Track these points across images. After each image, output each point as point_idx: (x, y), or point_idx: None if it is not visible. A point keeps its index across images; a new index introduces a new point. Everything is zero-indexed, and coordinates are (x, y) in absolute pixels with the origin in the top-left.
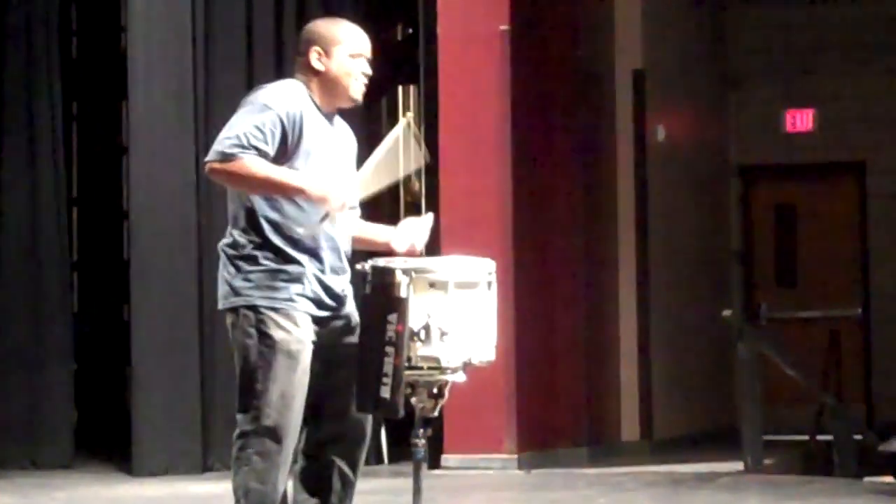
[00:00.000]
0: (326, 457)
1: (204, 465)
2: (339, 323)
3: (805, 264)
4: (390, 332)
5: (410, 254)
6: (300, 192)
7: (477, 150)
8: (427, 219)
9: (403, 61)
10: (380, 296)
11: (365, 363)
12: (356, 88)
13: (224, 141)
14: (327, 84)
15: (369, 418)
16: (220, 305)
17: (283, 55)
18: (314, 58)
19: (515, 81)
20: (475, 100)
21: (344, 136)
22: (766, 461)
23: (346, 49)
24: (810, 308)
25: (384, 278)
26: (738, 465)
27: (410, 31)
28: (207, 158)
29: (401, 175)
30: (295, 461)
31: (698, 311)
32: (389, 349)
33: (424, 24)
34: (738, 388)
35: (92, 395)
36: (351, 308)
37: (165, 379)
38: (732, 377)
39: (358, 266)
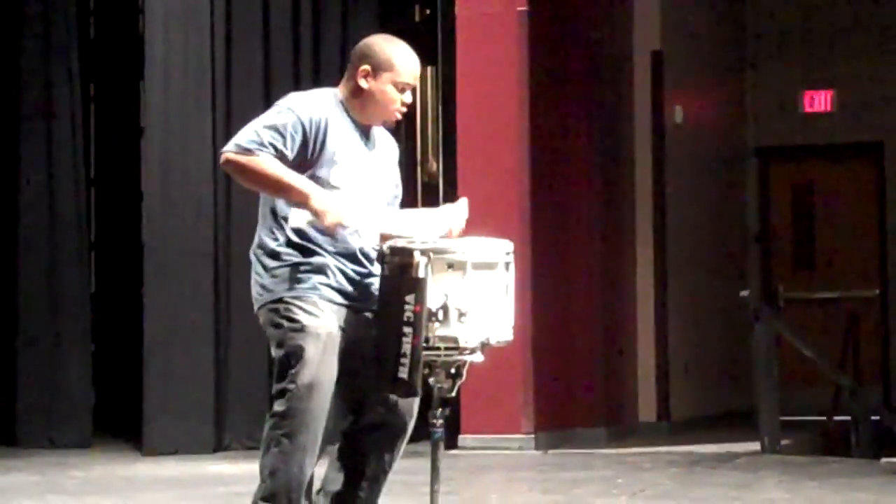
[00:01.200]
0: (366, 443)
1: (217, 445)
2: (368, 315)
3: (823, 245)
4: (408, 313)
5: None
6: (305, 199)
7: (494, 131)
8: (462, 204)
9: (421, 42)
10: (398, 276)
11: (383, 343)
12: (392, 115)
13: (242, 135)
14: (366, 103)
15: (414, 411)
16: (255, 307)
17: (300, 36)
18: (361, 76)
19: (533, 62)
20: (493, 80)
21: (382, 145)
22: (784, 442)
23: (395, 77)
24: (828, 289)
25: (402, 259)
26: (756, 446)
27: (428, 11)
28: (224, 149)
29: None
30: (332, 442)
31: (716, 291)
32: (407, 329)
33: (442, 4)
34: (755, 370)
35: (110, 376)
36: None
37: (179, 360)
38: (750, 358)
39: (376, 247)
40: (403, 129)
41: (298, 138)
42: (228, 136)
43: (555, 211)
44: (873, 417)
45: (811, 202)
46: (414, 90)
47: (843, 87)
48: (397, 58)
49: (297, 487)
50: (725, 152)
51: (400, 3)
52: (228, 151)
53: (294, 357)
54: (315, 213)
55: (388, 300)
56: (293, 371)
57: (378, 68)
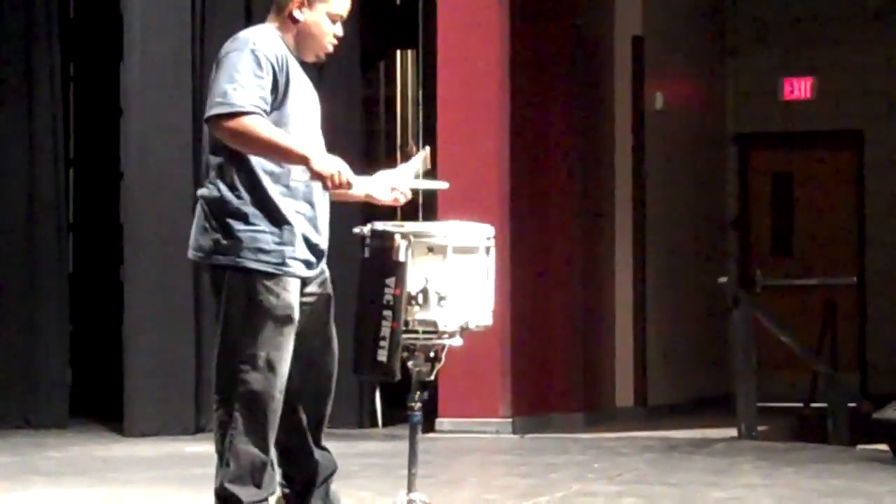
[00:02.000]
0: (296, 413)
1: (196, 426)
2: (316, 279)
3: (801, 233)
4: (388, 296)
5: (396, 202)
6: (304, 160)
7: (475, 116)
8: (404, 168)
9: (402, 25)
10: (378, 259)
11: (362, 326)
12: (325, 48)
13: (228, 94)
14: (301, 35)
15: (334, 377)
16: (194, 257)
17: None
18: (296, 5)
19: (514, 47)
20: (473, 65)
21: (310, 84)
22: (760, 428)
23: (329, 7)
24: (806, 276)
25: (383, 242)
26: (732, 432)
27: None
28: (213, 112)
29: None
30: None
31: (694, 277)
32: (387, 313)
33: None
34: (732, 356)
35: (88, 357)
36: (324, 263)
37: (159, 341)
38: (727, 344)
39: (356, 230)
40: (383, 113)
41: (271, 79)
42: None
43: (534, 196)
44: (850, 404)
45: (790, 189)
46: (344, 23)
47: (823, 74)
48: None
49: (261, 466)
50: (705, 139)
51: None
52: (217, 116)
53: (249, 338)
54: (316, 175)
55: (367, 283)
56: (248, 352)
57: None
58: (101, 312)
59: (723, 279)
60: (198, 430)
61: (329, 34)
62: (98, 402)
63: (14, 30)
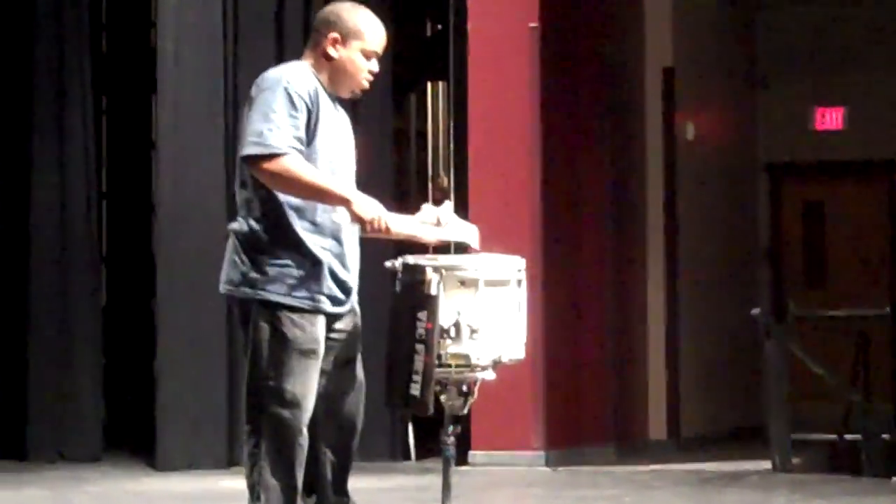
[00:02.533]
0: (319, 448)
1: (229, 460)
2: (346, 316)
3: (834, 263)
4: (420, 330)
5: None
6: (345, 202)
7: (506, 147)
8: (446, 206)
9: (433, 57)
10: (410, 293)
11: (395, 361)
12: (359, 84)
13: (264, 134)
14: (335, 72)
15: (362, 410)
16: (225, 290)
17: None
18: (330, 44)
19: (545, 78)
20: (504, 96)
21: (346, 121)
22: (794, 460)
23: (364, 45)
24: (839, 307)
25: (414, 276)
26: (766, 464)
27: (440, 26)
28: (249, 152)
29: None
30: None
31: (726, 309)
32: (419, 347)
33: (454, 19)
34: (765, 387)
35: (120, 389)
36: (356, 299)
37: (191, 373)
38: (760, 376)
39: (388, 264)
40: (414, 145)
41: (305, 116)
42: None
43: (566, 227)
44: (884, 435)
45: (822, 219)
46: (379, 59)
47: (854, 104)
48: (365, 25)
49: (291, 499)
50: (736, 169)
51: (411, 18)
52: (255, 157)
53: (274, 370)
54: (356, 219)
55: (400, 317)
56: (273, 385)
57: (347, 36)
58: (133, 345)
59: (755, 310)
60: (230, 463)
61: (364, 70)
62: (131, 435)
63: (47, 64)
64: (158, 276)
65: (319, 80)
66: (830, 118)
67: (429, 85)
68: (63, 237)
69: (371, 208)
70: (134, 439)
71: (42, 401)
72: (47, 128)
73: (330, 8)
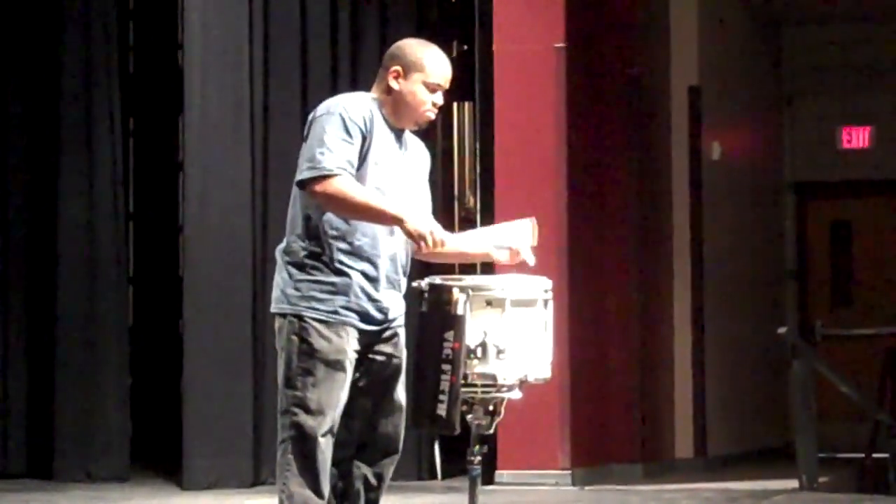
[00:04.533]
0: (353, 464)
1: (255, 480)
2: (384, 336)
3: (860, 282)
4: (447, 350)
5: (518, 264)
6: (398, 221)
7: (532, 168)
8: (525, 223)
9: (459, 78)
10: (437, 313)
11: (421, 380)
12: (423, 116)
13: (318, 158)
14: (397, 104)
15: (401, 434)
16: (272, 308)
17: (338, 71)
18: (392, 77)
19: (571, 98)
20: (530, 117)
21: (416, 152)
22: (821, 479)
23: (425, 77)
24: (866, 326)
25: (441, 296)
26: (793, 483)
27: (466, 47)
28: (303, 176)
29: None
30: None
31: (753, 327)
32: (446, 367)
33: (480, 40)
34: (792, 406)
35: (147, 409)
36: (400, 322)
37: (217, 393)
38: (787, 395)
39: (414, 283)
40: (440, 164)
41: (359, 142)
42: (266, 170)
43: (592, 247)
44: None
45: (849, 238)
46: (445, 92)
47: (881, 123)
48: (427, 58)
49: None
50: (763, 188)
51: (437, 38)
52: (311, 180)
53: (301, 379)
54: (411, 236)
55: (426, 337)
56: (300, 394)
57: (408, 69)
58: (160, 365)
59: (782, 329)
60: (255, 483)
61: (427, 103)
62: (158, 454)
63: (74, 85)
64: (185, 296)
65: (382, 112)
66: (857, 137)
67: (455, 105)
68: (90, 258)
69: (424, 225)
70: (160, 459)
71: (69, 420)
72: (75, 149)
73: (397, 43)
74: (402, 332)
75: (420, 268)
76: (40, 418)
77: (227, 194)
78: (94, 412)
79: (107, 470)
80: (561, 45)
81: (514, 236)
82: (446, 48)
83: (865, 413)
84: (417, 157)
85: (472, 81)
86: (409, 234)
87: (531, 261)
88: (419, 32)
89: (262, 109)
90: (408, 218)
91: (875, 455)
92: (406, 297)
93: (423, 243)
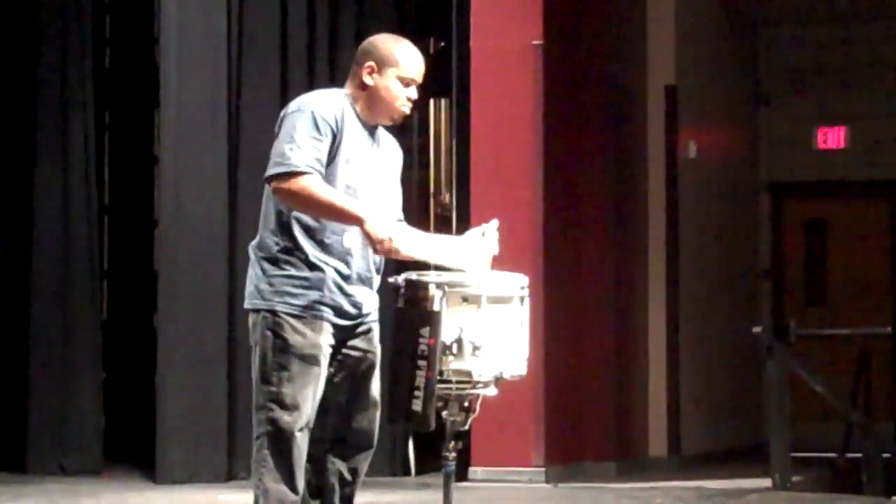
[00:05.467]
0: (327, 458)
1: (229, 474)
2: (359, 331)
3: (835, 282)
4: (423, 346)
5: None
6: (359, 222)
7: (508, 164)
8: (490, 227)
9: (436, 74)
10: (413, 309)
11: (397, 376)
12: (398, 111)
13: (286, 156)
14: (372, 99)
15: (375, 429)
16: (245, 304)
17: (315, 67)
18: (366, 72)
19: (548, 96)
20: (507, 114)
21: (387, 149)
22: (795, 478)
23: (399, 72)
24: (840, 326)
25: (417, 292)
26: (766, 482)
27: (443, 44)
28: (271, 172)
29: (451, 264)
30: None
31: (727, 327)
32: (422, 363)
33: (457, 37)
34: (766, 405)
35: (120, 403)
36: (374, 317)
37: (192, 388)
38: (761, 394)
39: (391, 279)
40: (416, 161)
41: (329, 140)
42: (242, 166)
43: (568, 245)
44: (885, 454)
45: (824, 238)
46: (420, 88)
47: (856, 123)
48: (401, 53)
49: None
50: (738, 187)
51: (414, 34)
52: (276, 177)
53: (276, 375)
54: (369, 238)
55: (402, 333)
56: (274, 389)
57: (382, 64)
58: (134, 359)
59: (757, 328)
60: (230, 477)
61: (401, 97)
62: (131, 448)
63: (49, 78)
64: (160, 290)
65: (355, 109)
66: (832, 137)
67: (431, 102)
68: (65, 251)
69: (383, 229)
70: (134, 452)
71: (43, 414)
72: (50, 142)
73: (369, 39)
74: (376, 327)
75: (396, 264)
76: (13, 411)
77: (202, 189)
78: (67, 406)
79: (80, 463)
80: (538, 42)
81: (479, 246)
82: (423, 44)
83: (839, 413)
84: (390, 153)
85: (448, 77)
86: (366, 237)
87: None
88: (397, 28)
89: (237, 104)
90: (368, 220)
91: (848, 455)
92: (380, 293)
93: (378, 247)
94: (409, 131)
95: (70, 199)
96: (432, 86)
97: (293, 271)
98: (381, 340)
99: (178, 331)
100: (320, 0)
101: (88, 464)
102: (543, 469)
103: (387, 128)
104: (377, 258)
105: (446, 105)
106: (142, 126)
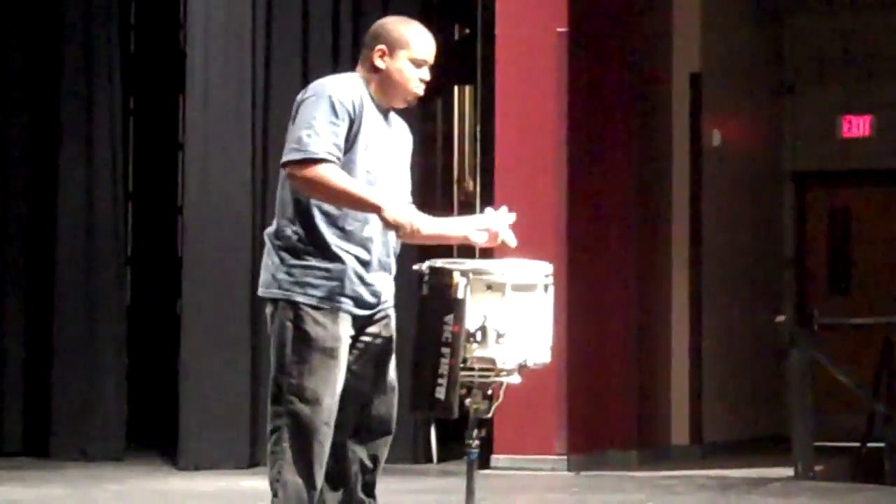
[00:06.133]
0: (347, 446)
1: (251, 461)
2: (376, 318)
3: (859, 271)
4: (447, 333)
5: (493, 245)
6: (377, 210)
7: (533, 152)
8: (503, 212)
9: (461, 61)
10: (437, 297)
11: (421, 364)
12: (411, 92)
13: (304, 141)
14: (385, 83)
15: (394, 414)
16: (260, 292)
17: (339, 52)
18: (377, 56)
19: (572, 83)
20: (532, 101)
21: (400, 133)
22: (817, 468)
23: (411, 54)
24: (864, 315)
25: (442, 279)
26: (789, 471)
27: (468, 31)
28: (288, 159)
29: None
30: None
31: (751, 316)
32: (445, 350)
33: (482, 24)
34: (789, 394)
35: (144, 389)
36: (391, 303)
37: (215, 374)
38: (784, 382)
39: (415, 267)
40: (440, 148)
41: (346, 126)
42: (266, 151)
43: (592, 233)
44: None
45: (847, 227)
46: (431, 67)
47: (881, 112)
48: (411, 35)
49: (308, 497)
50: (762, 176)
51: (439, 22)
52: (293, 164)
53: (296, 367)
54: (389, 225)
55: (426, 320)
56: (294, 382)
57: (393, 47)
58: (157, 345)
59: (780, 317)
60: (252, 463)
61: (414, 79)
62: (154, 434)
63: (74, 64)
64: (184, 276)
65: (369, 92)
66: (857, 126)
67: (456, 89)
68: (89, 237)
69: (402, 214)
70: (157, 439)
71: (66, 400)
72: (75, 128)
73: (377, 22)
74: (392, 313)
75: (420, 251)
76: (37, 397)
77: (227, 175)
78: (90, 392)
79: (103, 450)
80: (563, 29)
81: (494, 220)
82: (448, 31)
83: (862, 402)
84: (403, 137)
85: (473, 65)
86: (386, 223)
87: (512, 242)
88: (421, 15)
89: (263, 90)
90: (386, 206)
91: (871, 444)
92: (402, 279)
93: (400, 233)
94: (433, 118)
95: (94, 185)
96: (457, 73)
97: (313, 261)
98: (405, 328)
99: (201, 317)
100: None
101: (111, 450)
102: (566, 457)
103: (401, 112)
104: (395, 243)
105: (471, 92)
106: (166, 112)
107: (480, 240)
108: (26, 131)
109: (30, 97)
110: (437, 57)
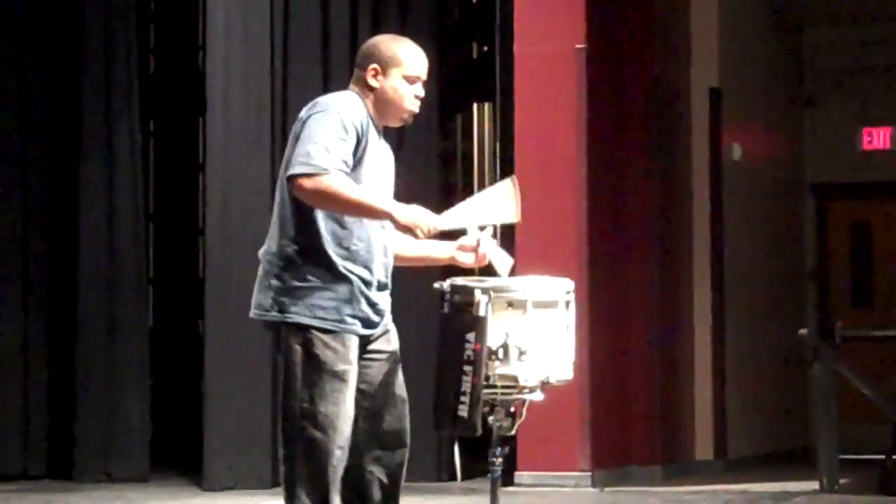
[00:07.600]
0: (364, 467)
1: (274, 481)
2: (377, 334)
3: (881, 283)
4: (469, 351)
5: (481, 263)
6: (389, 216)
7: (552, 169)
8: (487, 233)
9: (479, 79)
10: (459, 315)
11: (443, 382)
12: (407, 110)
13: (313, 157)
14: (380, 102)
15: (407, 426)
16: (256, 315)
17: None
18: (370, 75)
19: (591, 99)
20: (551, 118)
21: (389, 153)
22: (842, 481)
23: (404, 71)
24: (886, 327)
25: (463, 297)
26: (814, 485)
27: (486, 48)
28: (294, 172)
29: (487, 223)
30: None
31: (773, 329)
32: (468, 368)
33: (501, 41)
34: (813, 408)
35: (167, 410)
36: (389, 317)
37: (238, 395)
38: (807, 396)
39: (436, 285)
40: (459, 166)
41: (353, 142)
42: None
43: (612, 248)
44: None
45: (869, 240)
46: (424, 83)
47: None
48: (403, 52)
49: None
50: (783, 189)
51: (458, 40)
52: (300, 177)
53: (307, 392)
54: (405, 229)
55: (448, 338)
56: (306, 407)
57: (386, 65)
58: (180, 366)
59: (803, 331)
60: (274, 483)
61: (409, 96)
62: (178, 455)
63: (94, 85)
64: (206, 297)
65: (367, 110)
66: (878, 138)
67: (475, 106)
68: (111, 258)
69: (415, 215)
70: (180, 460)
71: (90, 421)
72: (95, 149)
73: (368, 42)
74: (392, 327)
75: (440, 270)
76: (61, 419)
77: (248, 196)
78: (114, 413)
79: (127, 471)
80: (581, 46)
81: (494, 205)
82: (466, 49)
83: (886, 414)
84: (390, 157)
85: (492, 82)
86: (401, 228)
87: (505, 267)
88: (439, 34)
89: (282, 111)
90: (396, 211)
91: None
92: (425, 298)
93: (417, 233)
94: (452, 136)
95: (115, 206)
96: (476, 91)
97: (319, 282)
98: (427, 346)
99: (224, 338)
100: (362, 7)
101: (135, 471)
102: (590, 473)
103: (419, 129)
104: (390, 264)
105: (490, 110)
106: (186, 133)
107: (467, 261)
108: (47, 154)
109: (50, 120)
110: (456, 75)
